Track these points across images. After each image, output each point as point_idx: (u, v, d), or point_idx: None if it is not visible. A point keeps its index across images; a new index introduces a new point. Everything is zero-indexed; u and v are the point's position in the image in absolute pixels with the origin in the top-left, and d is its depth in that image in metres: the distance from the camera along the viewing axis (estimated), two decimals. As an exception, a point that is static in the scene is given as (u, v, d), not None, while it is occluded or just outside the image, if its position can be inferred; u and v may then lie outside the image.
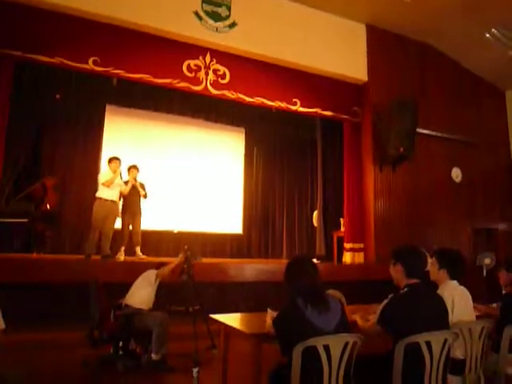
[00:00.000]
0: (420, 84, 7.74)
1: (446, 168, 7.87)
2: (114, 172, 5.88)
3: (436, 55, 8.03)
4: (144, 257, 6.27)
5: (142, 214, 6.38)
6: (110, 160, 5.97)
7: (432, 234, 7.27)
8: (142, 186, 6.35)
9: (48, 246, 6.72)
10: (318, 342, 1.96)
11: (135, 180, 6.23)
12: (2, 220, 5.74)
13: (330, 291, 3.35)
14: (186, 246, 4.38)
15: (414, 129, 6.87)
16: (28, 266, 4.95)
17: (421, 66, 7.85)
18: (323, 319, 2.06)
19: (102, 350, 3.73)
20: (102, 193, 5.80)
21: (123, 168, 6.23)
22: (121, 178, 6.06)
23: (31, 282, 4.72)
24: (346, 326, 2.16)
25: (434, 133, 7.67)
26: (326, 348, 1.97)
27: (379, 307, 2.32)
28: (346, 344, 2.02)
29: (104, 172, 6.03)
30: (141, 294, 3.91)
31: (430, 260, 2.93)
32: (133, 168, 6.27)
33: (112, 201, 5.86)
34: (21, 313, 4.63)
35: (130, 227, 6.31)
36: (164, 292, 4.62)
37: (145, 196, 6.32)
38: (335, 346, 1.99)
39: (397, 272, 2.41)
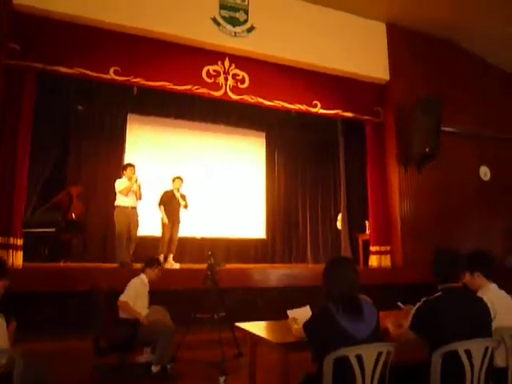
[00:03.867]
0: (443, 81, 7.50)
1: (473, 166, 7.61)
2: (130, 179, 5.83)
3: (459, 51, 7.79)
4: (178, 265, 6.24)
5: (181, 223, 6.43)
6: (125, 167, 5.99)
7: (461, 234, 7.01)
8: (184, 196, 6.42)
9: (74, 255, 6.83)
10: (350, 352, 1.86)
11: (178, 190, 6.33)
12: (29, 230, 5.83)
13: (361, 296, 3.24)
14: (209, 252, 4.36)
15: (438, 127, 6.66)
16: (56, 275, 5.01)
17: (444, 62, 7.62)
18: (355, 326, 1.97)
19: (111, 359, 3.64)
20: (121, 201, 5.81)
21: (167, 177, 6.45)
22: (136, 183, 5.88)
23: (59, 290, 4.76)
24: (378, 336, 2.06)
25: (459, 130, 7.41)
26: (359, 358, 1.87)
27: (411, 311, 2.21)
28: (380, 354, 1.92)
29: (120, 180, 5.98)
30: (137, 305, 3.76)
31: None
32: (177, 179, 6.37)
33: (132, 207, 5.86)
34: (45, 321, 4.71)
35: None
36: (189, 299, 4.59)
37: (186, 206, 6.40)
38: (368, 356, 1.89)
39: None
